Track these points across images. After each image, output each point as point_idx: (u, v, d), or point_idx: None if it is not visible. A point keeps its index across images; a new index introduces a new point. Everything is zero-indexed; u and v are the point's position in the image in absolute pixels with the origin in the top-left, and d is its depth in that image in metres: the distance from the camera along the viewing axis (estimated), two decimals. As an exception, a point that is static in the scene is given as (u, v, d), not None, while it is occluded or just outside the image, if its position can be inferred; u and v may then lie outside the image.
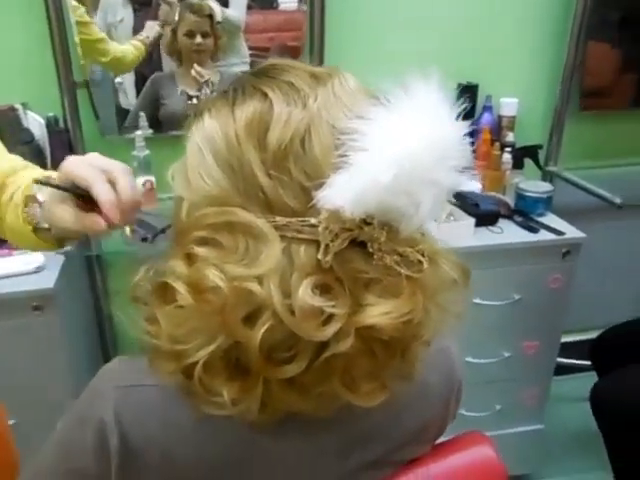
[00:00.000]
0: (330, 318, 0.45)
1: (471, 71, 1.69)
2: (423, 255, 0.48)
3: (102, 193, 0.59)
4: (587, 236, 1.52)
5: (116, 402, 0.56)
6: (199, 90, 1.62)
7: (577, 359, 1.98)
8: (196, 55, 1.64)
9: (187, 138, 0.54)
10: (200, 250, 0.47)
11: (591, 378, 1.65)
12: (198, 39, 1.63)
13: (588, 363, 1.72)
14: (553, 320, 1.61)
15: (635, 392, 1.37)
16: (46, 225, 0.70)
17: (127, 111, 1.63)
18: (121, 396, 0.57)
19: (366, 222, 0.46)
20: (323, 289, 0.46)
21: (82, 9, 1.49)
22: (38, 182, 0.66)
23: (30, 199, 0.72)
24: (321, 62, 1.55)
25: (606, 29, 1.72)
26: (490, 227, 1.52)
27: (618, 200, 1.56)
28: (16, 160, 0.81)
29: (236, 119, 0.49)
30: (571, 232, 1.52)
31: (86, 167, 0.61)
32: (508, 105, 1.73)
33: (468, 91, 1.67)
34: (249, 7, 1.57)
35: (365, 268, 0.47)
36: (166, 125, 1.67)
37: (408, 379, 0.54)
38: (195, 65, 1.65)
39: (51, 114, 1.51)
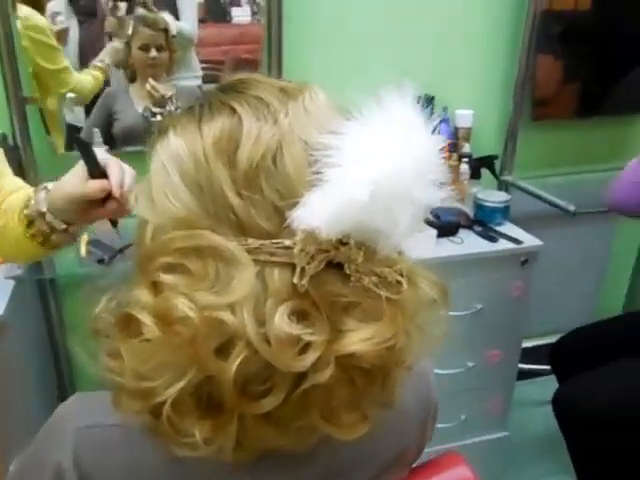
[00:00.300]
0: (307, 346, 0.43)
1: (427, 84, 1.70)
2: (402, 275, 0.46)
3: (115, 171, 0.76)
4: (543, 243, 1.55)
5: (75, 444, 0.53)
6: (162, 106, 1.58)
7: (537, 364, 2.01)
8: (151, 69, 1.61)
9: (151, 157, 0.51)
10: (167, 277, 0.44)
11: (552, 381, 1.68)
12: (153, 53, 1.59)
13: (548, 367, 1.75)
14: (514, 328, 1.63)
15: (596, 396, 1.39)
16: (43, 209, 0.78)
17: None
18: (80, 438, 0.53)
19: (342, 242, 0.44)
20: (300, 315, 0.43)
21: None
22: (77, 136, 0.70)
23: (35, 191, 0.80)
24: (280, 75, 1.54)
25: (551, 42, 1.77)
26: (451, 238, 1.53)
27: (572, 208, 1.60)
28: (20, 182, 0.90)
29: (203, 136, 0.47)
30: (529, 240, 1.55)
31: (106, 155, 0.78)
32: (464, 117, 1.76)
33: (425, 103, 1.69)
34: (202, 20, 1.55)
35: (342, 291, 0.44)
36: (120, 141, 1.62)
37: (388, 406, 0.52)
38: (150, 79, 1.62)
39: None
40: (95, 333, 0.49)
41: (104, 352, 0.48)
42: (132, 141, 1.61)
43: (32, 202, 0.80)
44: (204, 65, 1.61)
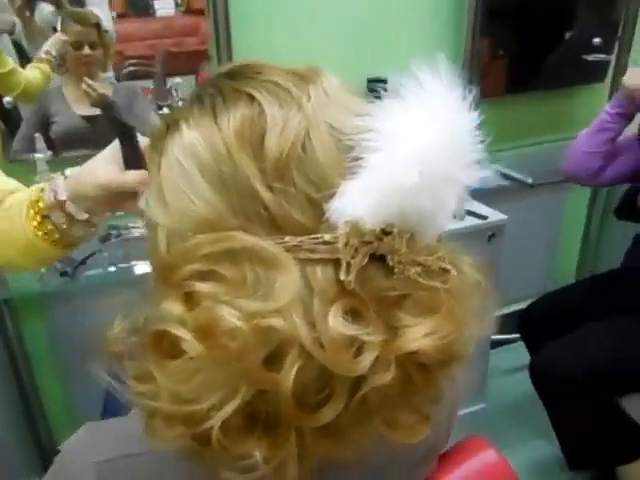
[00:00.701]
0: (362, 347, 0.39)
1: (378, 66, 1.69)
2: (444, 262, 0.43)
3: None
4: (508, 217, 1.58)
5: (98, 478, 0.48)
6: (101, 106, 1.48)
7: (504, 333, 2.07)
8: (85, 68, 1.52)
9: (157, 156, 0.46)
10: (203, 286, 0.39)
11: (521, 348, 1.73)
12: (86, 50, 1.51)
13: (516, 335, 1.80)
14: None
15: (572, 362, 1.44)
16: (62, 197, 0.69)
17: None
18: (104, 472, 0.48)
19: (385, 232, 0.40)
20: (352, 314, 0.39)
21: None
22: (118, 118, 0.65)
23: (50, 181, 0.71)
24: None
25: (488, 22, 1.79)
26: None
27: (530, 180, 1.64)
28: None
29: (222, 128, 0.42)
30: (493, 215, 1.58)
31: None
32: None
33: (378, 85, 1.67)
34: (123, 15, 1.48)
35: (389, 284, 0.41)
36: (61, 145, 1.51)
37: (437, 402, 0.49)
38: (85, 78, 1.52)
39: None
40: (114, 357, 0.44)
41: (130, 376, 0.43)
42: (73, 145, 1.52)
43: (47, 192, 0.70)
44: (132, 61, 1.54)
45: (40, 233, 0.71)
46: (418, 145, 0.40)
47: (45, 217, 0.70)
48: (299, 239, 0.40)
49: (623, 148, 1.55)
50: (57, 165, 1.38)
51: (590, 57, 1.89)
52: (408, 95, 0.42)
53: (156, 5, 1.50)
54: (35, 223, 0.70)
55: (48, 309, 1.46)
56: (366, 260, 0.40)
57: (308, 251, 0.40)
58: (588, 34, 1.90)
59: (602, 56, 1.89)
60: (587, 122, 1.57)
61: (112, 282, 1.28)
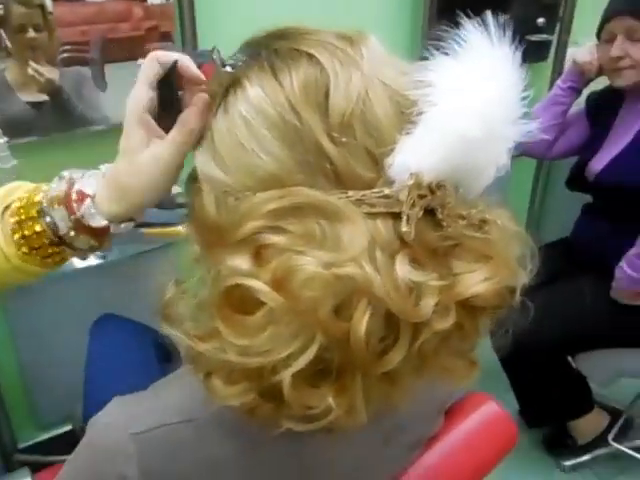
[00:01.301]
0: (421, 294, 0.40)
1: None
2: (485, 215, 0.45)
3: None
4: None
5: (139, 452, 0.48)
6: (49, 92, 1.41)
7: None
8: (30, 52, 1.44)
9: (219, 113, 0.46)
10: (277, 239, 0.40)
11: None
12: (31, 33, 1.43)
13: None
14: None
15: (527, 327, 1.52)
16: (102, 223, 0.55)
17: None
18: (143, 443, 0.49)
19: (438, 185, 0.42)
20: (416, 263, 0.41)
21: None
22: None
23: (55, 203, 0.56)
24: (196, 45, 1.45)
25: (450, 5, 1.83)
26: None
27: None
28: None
29: (285, 85, 0.43)
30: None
31: None
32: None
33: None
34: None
35: (439, 236, 0.43)
36: (7, 134, 1.44)
37: (476, 349, 0.51)
38: (31, 62, 1.45)
39: None
40: (169, 319, 0.45)
41: (191, 336, 0.43)
42: (21, 132, 1.44)
43: (54, 185, 0.58)
44: (66, 47, 1.46)
45: (25, 248, 0.57)
46: (477, 99, 0.42)
47: (34, 218, 0.56)
48: (362, 193, 0.41)
49: (572, 122, 1.64)
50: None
51: (534, 37, 1.98)
52: (459, 52, 0.44)
53: (90, -10, 1.43)
54: (19, 235, 0.57)
55: (6, 299, 1.40)
56: (422, 212, 0.41)
57: (369, 205, 0.41)
58: (532, 14, 1.98)
59: (545, 36, 1.99)
60: (533, 98, 1.64)
61: (73, 273, 1.25)
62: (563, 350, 1.52)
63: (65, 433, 1.54)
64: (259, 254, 0.41)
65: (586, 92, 1.62)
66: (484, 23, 0.44)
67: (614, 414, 1.69)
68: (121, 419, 0.51)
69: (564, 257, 1.64)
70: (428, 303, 0.40)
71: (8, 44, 1.42)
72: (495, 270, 0.43)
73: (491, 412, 0.73)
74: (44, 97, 1.45)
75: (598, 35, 1.45)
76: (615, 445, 1.62)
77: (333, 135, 0.42)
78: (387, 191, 0.41)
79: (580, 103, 1.64)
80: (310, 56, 0.44)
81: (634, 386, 1.72)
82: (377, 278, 0.39)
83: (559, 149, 1.65)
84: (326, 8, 1.66)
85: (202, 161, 0.47)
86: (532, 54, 2.04)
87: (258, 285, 0.39)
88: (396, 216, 0.41)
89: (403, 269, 0.40)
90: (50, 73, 1.46)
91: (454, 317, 0.42)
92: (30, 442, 1.54)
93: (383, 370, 0.41)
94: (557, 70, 2.02)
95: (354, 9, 1.70)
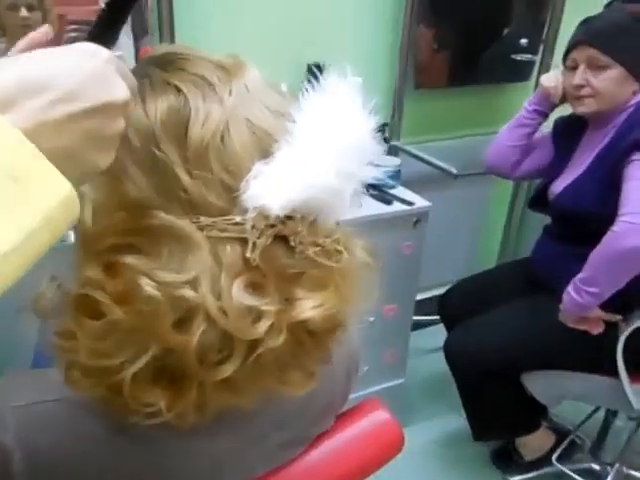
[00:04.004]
0: (261, 315, 0.46)
1: (317, 53, 1.73)
2: (339, 244, 0.50)
3: None
4: (432, 204, 1.67)
5: (17, 423, 0.52)
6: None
7: (428, 315, 2.18)
8: (23, 31, 1.46)
9: None
10: (126, 258, 0.45)
11: (442, 329, 1.84)
12: (23, 12, 1.46)
13: (437, 317, 1.91)
14: (408, 283, 1.75)
15: (478, 342, 1.55)
16: None
17: None
18: (22, 416, 0.53)
19: (288, 217, 0.47)
20: (253, 287, 0.46)
21: None
22: None
23: None
24: (173, 41, 1.49)
25: (427, 14, 1.86)
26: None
27: (454, 170, 1.73)
28: None
29: (149, 116, 0.47)
30: (419, 202, 1.66)
31: None
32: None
33: (316, 72, 1.72)
34: None
35: (289, 262, 0.48)
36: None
37: (326, 362, 0.57)
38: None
39: None
40: (40, 314, 0.49)
41: (54, 332, 0.48)
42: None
43: None
44: (73, 26, 1.46)
45: None
46: (323, 147, 0.46)
47: None
48: (213, 219, 0.46)
49: (538, 144, 1.67)
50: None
51: (518, 56, 2.01)
52: (322, 97, 0.48)
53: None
54: None
55: None
56: (270, 240, 0.46)
57: (220, 230, 0.46)
58: (518, 34, 2.01)
59: (529, 56, 2.01)
60: (512, 118, 1.67)
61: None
62: (512, 367, 1.54)
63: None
64: (110, 268, 0.45)
65: (554, 117, 1.64)
66: (345, 78, 0.49)
67: (561, 434, 1.72)
68: (10, 390, 0.55)
69: (526, 275, 1.67)
70: (263, 324, 0.46)
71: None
72: (327, 298, 0.49)
73: (380, 418, 0.76)
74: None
75: (564, 61, 1.48)
76: (558, 466, 1.65)
77: (189, 167, 0.46)
78: (238, 219, 0.46)
79: (549, 126, 1.66)
80: (178, 89, 0.48)
81: (585, 408, 1.75)
82: (211, 300, 0.44)
83: (524, 170, 1.67)
84: (306, 12, 1.70)
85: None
86: (516, 74, 2.06)
87: (102, 297, 0.44)
88: (245, 242, 0.46)
89: (238, 293, 0.45)
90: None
91: (285, 336, 0.47)
92: None
93: (217, 378, 0.47)
94: (538, 91, 2.04)
95: (335, 11, 1.73)
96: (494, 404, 1.59)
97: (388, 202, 1.63)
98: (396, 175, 1.71)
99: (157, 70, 0.50)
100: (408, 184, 1.75)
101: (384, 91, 1.91)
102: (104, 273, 0.45)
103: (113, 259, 0.45)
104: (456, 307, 1.78)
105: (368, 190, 1.67)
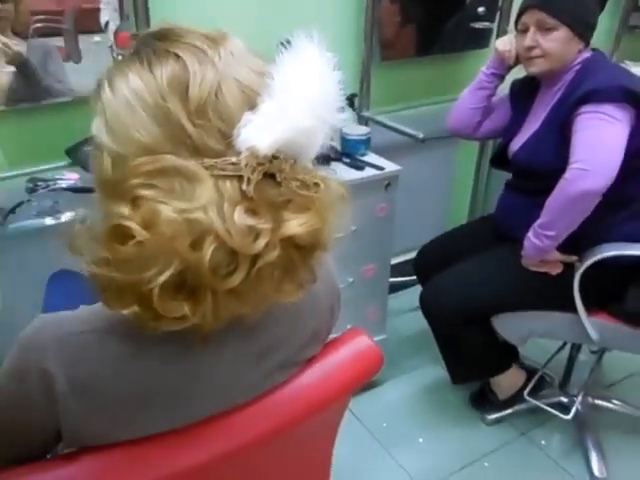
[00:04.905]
0: (258, 235, 0.57)
1: (289, 30, 1.81)
2: (316, 179, 0.61)
3: None
4: (402, 168, 1.78)
5: (58, 349, 0.63)
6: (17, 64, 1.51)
7: (406, 276, 2.31)
8: None
9: (103, 94, 0.61)
10: (147, 192, 0.55)
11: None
12: None
13: (415, 278, 2.03)
14: (383, 243, 1.87)
15: (450, 293, 1.68)
16: None
17: None
18: (62, 344, 0.64)
19: (274, 157, 0.58)
20: (251, 212, 0.57)
21: None
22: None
23: None
24: (148, 25, 1.56)
25: None
26: (325, 169, 1.69)
27: (421, 135, 1.84)
28: None
29: (156, 78, 0.58)
30: (389, 167, 1.77)
31: None
32: (323, 59, 1.89)
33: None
34: None
35: (277, 192, 0.58)
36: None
37: (312, 281, 0.67)
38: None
39: None
40: (73, 250, 0.59)
41: (88, 262, 0.58)
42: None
43: None
44: (40, 17, 1.52)
45: None
46: (301, 96, 0.57)
47: None
48: (214, 160, 0.57)
49: (497, 106, 1.78)
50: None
51: (477, 25, 2.12)
52: (294, 58, 0.59)
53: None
54: None
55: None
56: (261, 176, 0.57)
57: (220, 169, 0.57)
58: (477, 3, 2.11)
59: (486, 24, 2.12)
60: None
61: (41, 230, 1.37)
62: (482, 312, 1.67)
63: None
64: (135, 202, 0.56)
65: (510, 79, 1.76)
66: (313, 39, 0.60)
67: (531, 372, 1.87)
68: (46, 327, 0.65)
69: (491, 229, 1.80)
70: (262, 241, 0.56)
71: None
72: (310, 218, 0.59)
73: (363, 343, 0.87)
74: (11, 68, 1.54)
75: (515, 26, 1.59)
76: (530, 400, 1.79)
77: (192, 118, 0.57)
78: (234, 159, 0.57)
79: (506, 89, 1.78)
80: (177, 56, 0.59)
81: (551, 347, 1.90)
82: (219, 222, 0.55)
83: (485, 130, 1.79)
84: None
85: (97, 130, 0.62)
86: (474, 41, 2.17)
87: (132, 225, 0.55)
88: (241, 178, 0.57)
89: (240, 217, 0.56)
90: (17, 46, 1.55)
91: (279, 251, 0.58)
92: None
93: (227, 287, 0.57)
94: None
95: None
96: (468, 348, 1.73)
97: (360, 168, 1.74)
98: (366, 143, 1.82)
99: (157, 42, 0.61)
100: (378, 151, 1.86)
101: (352, 65, 2.01)
102: (130, 207, 0.55)
103: (137, 194, 0.55)
104: (429, 264, 1.89)
105: (341, 159, 1.78)
